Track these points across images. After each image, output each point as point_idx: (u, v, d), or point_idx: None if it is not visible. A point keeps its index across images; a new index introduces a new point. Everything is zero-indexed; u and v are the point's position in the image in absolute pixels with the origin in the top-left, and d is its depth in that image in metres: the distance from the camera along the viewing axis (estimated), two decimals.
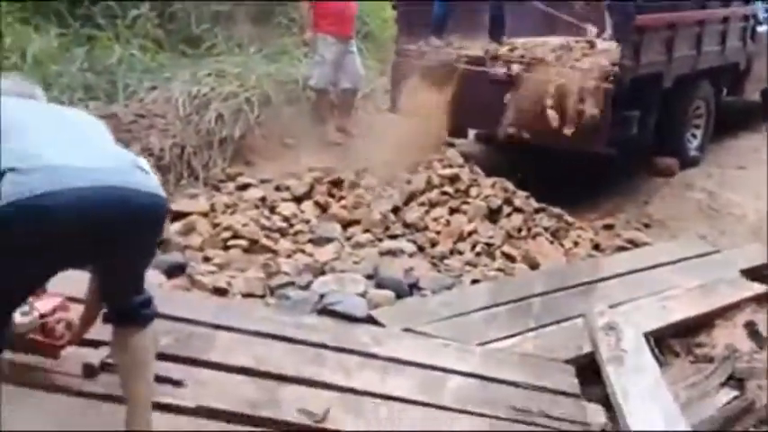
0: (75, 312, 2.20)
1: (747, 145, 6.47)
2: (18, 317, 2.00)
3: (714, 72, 5.60)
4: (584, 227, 4.33)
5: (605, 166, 5.06)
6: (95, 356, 2.20)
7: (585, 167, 4.97)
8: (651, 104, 4.82)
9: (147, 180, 1.76)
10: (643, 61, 4.50)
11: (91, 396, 2.09)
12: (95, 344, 2.24)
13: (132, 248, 1.80)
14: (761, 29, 6.13)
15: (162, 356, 2.14)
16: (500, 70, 4.85)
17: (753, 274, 3.73)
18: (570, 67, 4.56)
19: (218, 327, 2.58)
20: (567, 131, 4.50)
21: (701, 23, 5.07)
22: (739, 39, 5.77)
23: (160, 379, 2.07)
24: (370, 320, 2.83)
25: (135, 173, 1.74)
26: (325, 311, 2.83)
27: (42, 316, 2.10)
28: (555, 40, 5.26)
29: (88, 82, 4.42)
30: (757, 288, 3.56)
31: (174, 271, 3.16)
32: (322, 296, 2.97)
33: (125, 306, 1.89)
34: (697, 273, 3.64)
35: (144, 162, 1.84)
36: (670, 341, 3.14)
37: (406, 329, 2.78)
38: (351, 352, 2.56)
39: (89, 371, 2.16)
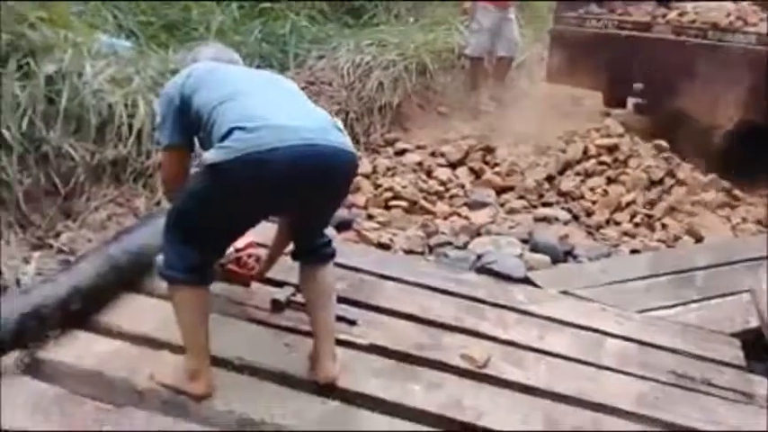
0: (262, 251, 2.51)
1: None
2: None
3: None
4: (755, 202, 4.08)
5: None
6: (281, 294, 2.47)
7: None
8: None
9: (344, 138, 1.95)
10: None
11: (278, 328, 2.35)
12: (280, 284, 2.53)
13: (328, 198, 2.03)
14: None
15: (338, 299, 2.36)
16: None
17: None
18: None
19: (384, 277, 2.77)
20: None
21: None
22: None
23: (337, 318, 2.29)
24: (527, 281, 2.90)
25: (334, 132, 1.94)
26: (483, 270, 2.93)
27: (237, 251, 2.43)
28: (728, 4, 4.92)
29: (263, 51, 4.79)
30: None
31: (342, 226, 3.41)
32: (479, 256, 3.08)
33: (313, 245, 2.13)
34: None
35: (339, 122, 2.03)
36: None
37: (563, 292, 2.83)
38: (508, 308, 2.65)
39: (276, 306, 2.44)
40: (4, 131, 2.68)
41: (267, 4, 5.13)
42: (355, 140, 4.64)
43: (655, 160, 4.30)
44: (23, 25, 3.14)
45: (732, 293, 2.91)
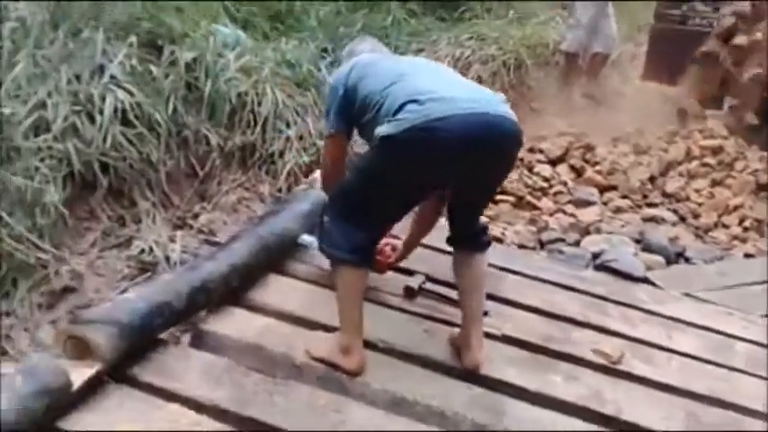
0: (398, 242, 2.61)
1: None
2: None
3: None
4: None
5: None
6: (414, 282, 2.57)
7: None
8: None
9: (509, 109, 2.02)
10: None
11: (414, 314, 2.45)
12: (411, 272, 2.63)
13: (496, 168, 2.08)
14: None
15: None
16: None
17: None
18: None
19: (506, 270, 2.85)
20: None
21: None
22: None
23: None
24: (647, 281, 2.93)
25: (500, 104, 2.01)
26: (603, 267, 2.98)
27: None
28: None
29: None
30: None
31: None
32: (595, 254, 3.12)
33: (470, 231, 2.21)
34: None
35: (503, 96, 2.11)
36: None
37: (686, 294, 2.85)
38: (632, 307, 2.69)
39: (410, 292, 2.54)
40: (156, 115, 2.85)
41: None
42: None
43: (761, 163, 4.23)
44: (165, 13, 3.32)
45: None
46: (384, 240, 2.61)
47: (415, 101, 1.88)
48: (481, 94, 2.04)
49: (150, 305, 1.97)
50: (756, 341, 2.56)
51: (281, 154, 3.49)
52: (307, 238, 2.65)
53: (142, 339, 1.96)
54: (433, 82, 1.99)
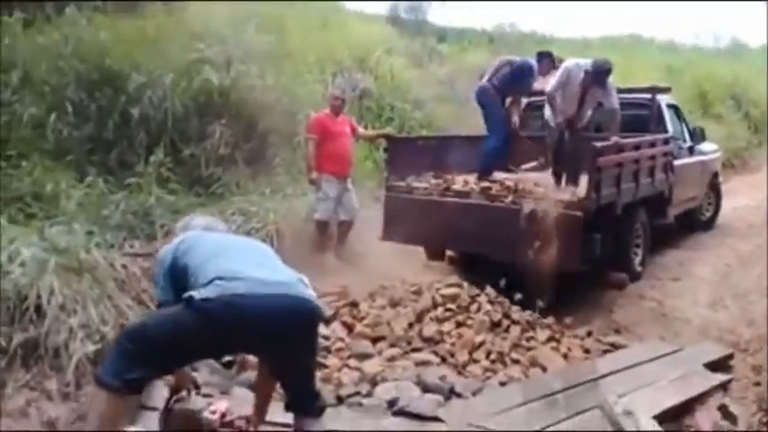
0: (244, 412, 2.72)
1: (673, 260, 7.57)
2: (207, 414, 2.53)
3: (647, 200, 6.72)
4: (571, 334, 5.07)
5: (573, 281, 5.91)
6: None
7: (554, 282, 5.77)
8: (607, 228, 5.78)
9: (310, 292, 2.37)
10: (603, 193, 5.51)
11: None
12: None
13: (302, 346, 2.37)
14: (677, 162, 7.40)
15: None
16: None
17: (712, 366, 4.56)
18: (549, 199, 5.50)
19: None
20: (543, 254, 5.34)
21: (637, 161, 6.20)
22: (663, 172, 6.97)
23: None
24: (437, 419, 3.38)
25: (301, 286, 2.36)
26: (400, 413, 3.36)
27: (223, 415, 2.62)
28: (532, 175, 6.27)
29: (130, 224, 4.92)
30: (720, 377, 4.37)
31: None
32: (390, 401, 3.50)
33: (300, 398, 2.43)
34: (671, 367, 4.40)
35: (305, 278, 2.46)
36: (665, 425, 3.84)
37: (470, 424, 3.35)
38: None
39: None
40: None
41: (133, 179, 5.33)
42: None
43: (491, 306, 5.15)
44: None
45: (587, 410, 3.67)
46: (229, 417, 2.69)
47: (221, 278, 2.16)
48: (285, 276, 2.38)
49: None
50: None
51: (66, 346, 3.34)
52: None
53: None
54: (242, 262, 2.29)
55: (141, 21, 7.35)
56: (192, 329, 2.13)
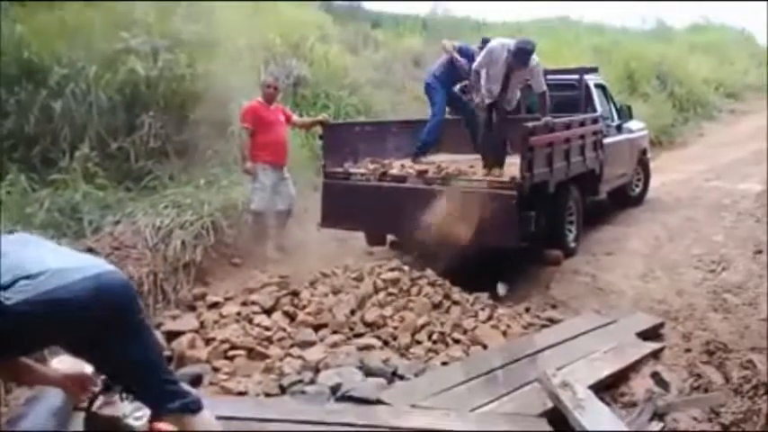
0: None
1: (607, 236, 7.81)
2: (132, 421, 2.42)
3: (579, 178, 6.90)
4: (509, 311, 5.18)
5: (509, 259, 6.02)
6: None
7: (490, 261, 5.88)
8: (541, 206, 5.91)
9: (113, 267, 2.18)
10: (535, 172, 5.63)
11: None
12: None
13: (117, 327, 2.11)
14: (606, 140, 7.62)
15: None
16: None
17: (645, 335, 4.74)
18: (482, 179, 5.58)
19: (264, 420, 3.05)
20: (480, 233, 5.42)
21: (568, 141, 6.35)
22: (593, 150, 7.17)
23: None
24: (381, 402, 3.40)
25: (105, 265, 2.21)
26: (343, 398, 3.36)
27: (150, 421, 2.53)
28: (464, 158, 6.33)
29: (56, 221, 4.73)
30: (652, 345, 4.56)
31: (195, 381, 3.54)
32: (333, 387, 3.50)
33: (152, 395, 2.20)
34: (606, 339, 4.57)
35: (103, 260, 2.34)
36: (601, 393, 3.98)
37: (412, 405, 3.38)
38: (380, 427, 3.12)
39: None
40: None
41: (58, 176, 5.12)
42: (166, 299, 4.79)
43: (432, 288, 5.20)
44: None
45: (526, 384, 3.76)
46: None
47: (27, 276, 1.99)
48: (83, 261, 2.18)
49: None
50: (474, 431, 3.18)
51: None
52: None
53: None
54: (38, 257, 2.13)
55: (61, 11, 7.05)
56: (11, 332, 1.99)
